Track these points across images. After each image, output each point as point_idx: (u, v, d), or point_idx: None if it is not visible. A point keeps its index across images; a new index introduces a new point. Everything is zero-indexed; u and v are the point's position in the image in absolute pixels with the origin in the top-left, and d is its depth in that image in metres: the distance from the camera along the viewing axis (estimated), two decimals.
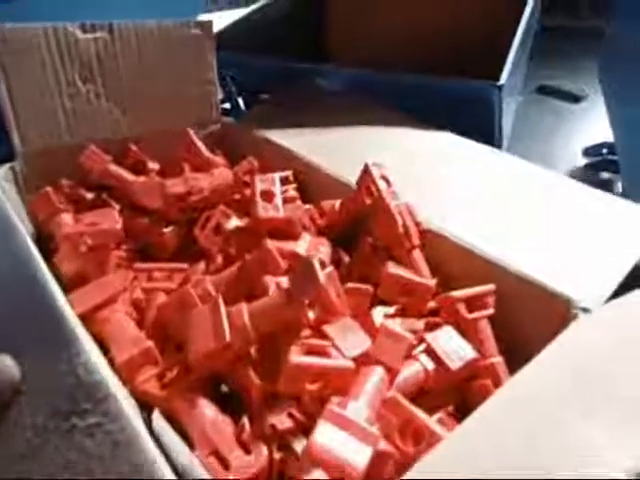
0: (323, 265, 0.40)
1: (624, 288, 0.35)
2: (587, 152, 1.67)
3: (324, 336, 0.37)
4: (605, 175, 1.61)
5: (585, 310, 0.32)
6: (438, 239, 0.40)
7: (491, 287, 0.37)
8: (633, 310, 0.32)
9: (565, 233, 0.39)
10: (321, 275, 0.34)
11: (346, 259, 0.46)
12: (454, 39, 0.64)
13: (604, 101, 1.34)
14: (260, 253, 0.41)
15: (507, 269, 0.37)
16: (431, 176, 0.46)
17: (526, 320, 0.37)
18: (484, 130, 0.50)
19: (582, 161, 1.67)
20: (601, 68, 1.41)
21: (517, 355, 0.35)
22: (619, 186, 1.51)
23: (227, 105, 0.84)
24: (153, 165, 0.57)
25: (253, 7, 0.64)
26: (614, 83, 1.33)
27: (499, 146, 0.61)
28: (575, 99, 2.03)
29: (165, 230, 0.51)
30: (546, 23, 2.39)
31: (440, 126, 0.51)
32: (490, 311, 0.37)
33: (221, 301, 0.37)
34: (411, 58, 0.61)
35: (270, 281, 0.40)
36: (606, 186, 1.61)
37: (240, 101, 0.77)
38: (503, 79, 0.36)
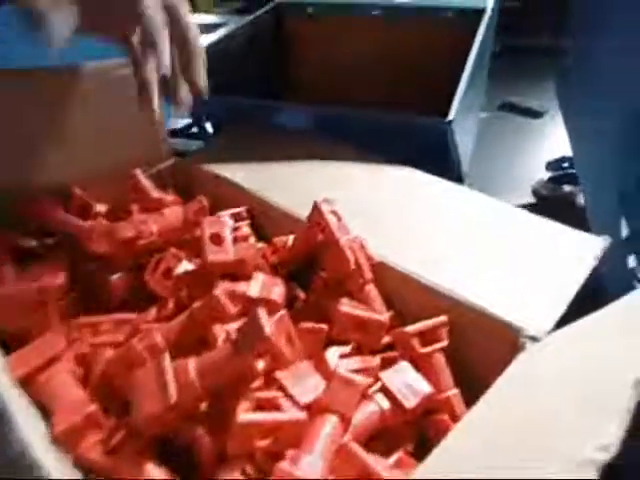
0: (275, 307, 0.39)
1: (569, 314, 0.36)
2: (549, 166, 1.71)
3: (277, 384, 0.36)
4: (567, 188, 1.66)
5: (533, 338, 0.32)
6: (391, 272, 0.40)
7: (444, 319, 0.37)
8: (576, 341, 0.32)
9: (513, 263, 0.39)
10: (267, 327, 0.33)
11: (301, 295, 0.45)
12: (410, 71, 0.64)
13: (561, 116, 1.38)
14: (209, 300, 0.40)
15: (458, 300, 0.37)
16: (384, 210, 0.45)
17: (478, 350, 0.37)
18: (439, 162, 0.50)
19: (546, 175, 1.72)
20: (557, 84, 1.46)
21: (472, 386, 0.35)
22: (581, 198, 1.56)
23: (195, 129, 0.83)
24: (100, 207, 0.55)
25: (212, 40, 0.63)
26: (568, 98, 1.38)
27: (457, 175, 0.61)
28: (536, 115, 2.09)
29: (113, 277, 0.49)
30: (509, 43, 2.47)
31: (394, 160, 0.51)
32: (444, 343, 0.37)
33: (167, 358, 0.35)
34: (371, 93, 0.61)
35: (220, 329, 0.39)
36: (568, 198, 1.65)
37: (208, 125, 0.76)
38: (452, 115, 0.36)
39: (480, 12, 0.54)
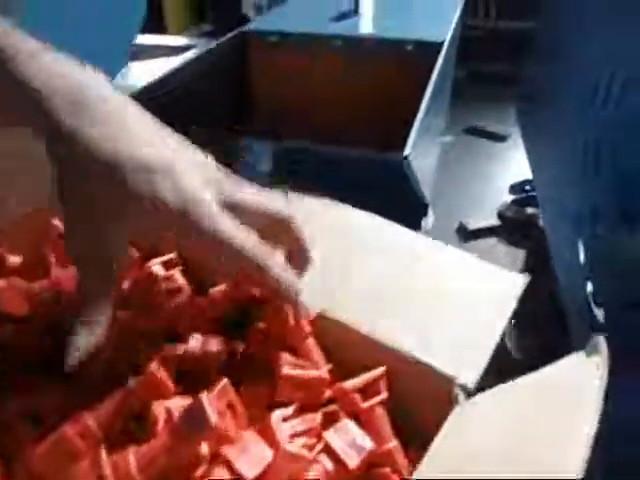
0: (215, 374, 0.37)
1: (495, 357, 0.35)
2: (513, 189, 1.76)
3: (222, 459, 0.34)
4: (530, 210, 1.70)
5: (464, 387, 0.32)
6: (330, 324, 0.38)
7: (382, 371, 0.36)
8: (513, 398, 0.31)
9: (442, 307, 0.38)
10: (213, 417, 0.32)
11: (240, 348, 0.43)
12: (371, 102, 0.64)
13: (522, 140, 1.43)
14: (145, 378, 0.37)
15: (393, 350, 0.36)
16: (323, 258, 0.44)
17: (416, 400, 0.37)
18: (399, 195, 0.49)
19: (509, 197, 1.77)
20: (517, 110, 1.51)
21: (411, 436, 0.34)
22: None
23: None
24: (14, 259, 0.50)
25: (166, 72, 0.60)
26: (528, 123, 1.42)
27: (418, 204, 0.61)
28: (500, 139, 2.15)
29: (35, 341, 0.44)
30: (474, 69, 2.55)
31: (346, 199, 0.49)
32: (384, 395, 0.36)
33: (103, 452, 0.33)
34: (332, 123, 0.60)
35: (160, 407, 0.36)
36: (531, 220, 1.70)
37: None
38: (407, 150, 0.36)
39: (439, 45, 0.54)
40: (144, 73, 1.31)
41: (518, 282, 0.43)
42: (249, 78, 0.66)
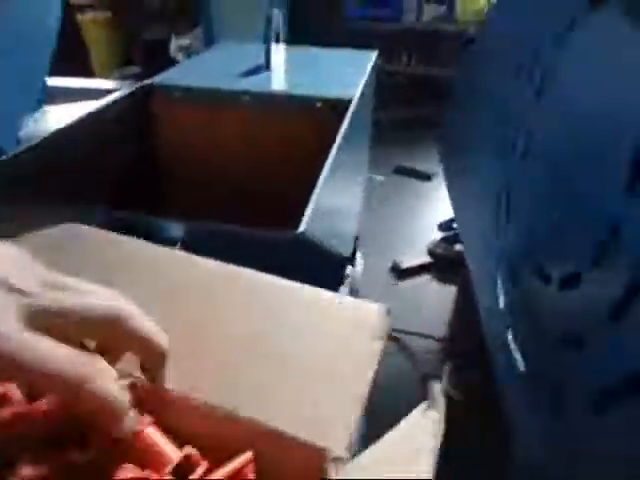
0: None
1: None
2: (441, 227, 1.82)
3: None
4: (458, 247, 1.76)
5: (337, 459, 0.29)
6: (176, 405, 0.33)
7: (248, 455, 0.31)
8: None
9: (300, 368, 0.34)
10: None
11: (81, 458, 0.35)
12: (280, 160, 0.62)
13: (444, 177, 1.49)
14: None
15: (257, 425, 0.31)
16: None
17: (288, 477, 0.32)
18: (310, 265, 0.47)
19: (438, 235, 1.83)
20: (439, 151, 1.58)
21: None
22: None
23: None
24: None
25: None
26: (449, 164, 1.49)
27: (332, 267, 0.58)
28: (427, 177, 2.25)
29: None
30: (399, 114, 2.67)
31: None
32: None
33: None
34: (237, 182, 0.58)
35: None
36: (460, 257, 1.76)
37: None
38: (303, 226, 0.34)
39: (347, 102, 0.54)
40: (61, 117, 1.26)
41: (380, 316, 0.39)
42: (152, 133, 0.62)
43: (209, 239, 0.36)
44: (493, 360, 0.71)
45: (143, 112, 0.56)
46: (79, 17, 2.73)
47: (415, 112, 2.71)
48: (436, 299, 1.55)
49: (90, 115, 0.50)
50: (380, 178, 2.23)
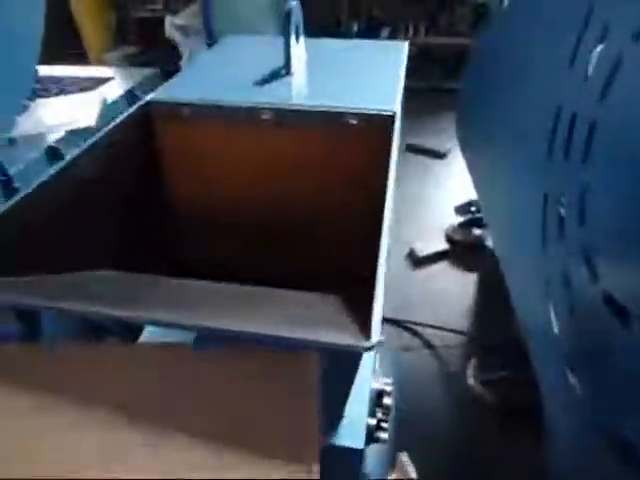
0: None
1: None
2: (458, 210, 1.74)
3: None
4: (477, 231, 1.69)
5: None
6: None
7: None
8: None
9: None
10: None
11: None
12: (306, 185, 0.52)
13: (463, 157, 1.40)
14: None
15: None
16: None
17: None
18: None
19: (456, 219, 1.75)
20: (458, 126, 1.49)
21: None
22: (490, 240, 1.59)
23: None
24: None
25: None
26: (467, 139, 1.40)
27: None
28: (441, 155, 2.15)
29: None
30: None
31: None
32: None
33: None
34: (258, 213, 0.49)
35: None
36: (479, 242, 1.69)
37: None
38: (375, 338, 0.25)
39: (388, 118, 0.45)
40: (55, 113, 1.19)
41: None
42: (158, 163, 0.51)
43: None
44: (542, 383, 0.65)
45: (145, 139, 0.48)
46: None
47: (423, 83, 2.59)
48: (456, 288, 1.49)
49: (82, 156, 0.41)
50: None
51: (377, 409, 0.59)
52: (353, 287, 0.33)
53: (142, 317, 0.26)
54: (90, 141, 0.42)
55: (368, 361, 0.50)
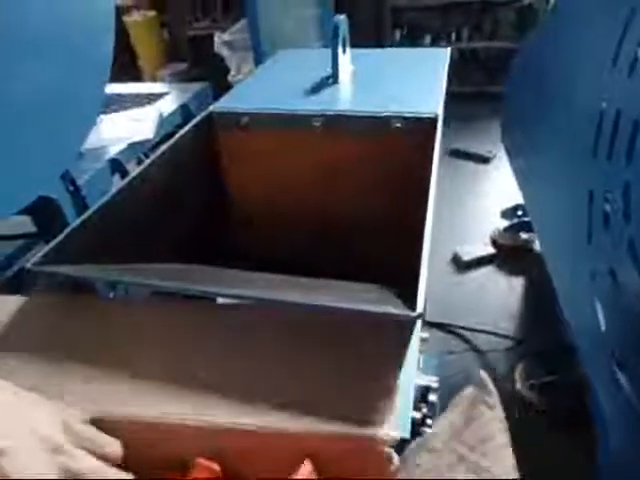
0: None
1: None
2: (504, 214, 1.72)
3: None
4: (524, 235, 1.66)
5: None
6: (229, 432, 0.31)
7: (308, 466, 0.29)
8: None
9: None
10: None
11: None
12: (355, 186, 0.55)
13: (508, 161, 1.39)
14: None
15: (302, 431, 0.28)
16: None
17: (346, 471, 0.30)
18: None
19: (502, 223, 1.73)
20: (503, 130, 1.48)
21: None
22: (537, 244, 1.56)
23: None
24: None
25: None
26: (512, 142, 1.39)
27: None
28: (485, 160, 2.13)
29: None
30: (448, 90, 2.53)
31: None
32: None
33: None
34: (312, 212, 0.52)
35: None
36: (526, 246, 1.66)
37: None
38: (419, 307, 0.28)
39: (431, 121, 0.48)
40: (117, 128, 1.27)
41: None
42: (220, 167, 0.57)
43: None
44: (591, 383, 0.65)
45: (208, 145, 0.52)
46: (125, 18, 2.76)
47: (466, 88, 2.57)
48: (502, 293, 1.47)
49: (153, 163, 0.46)
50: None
51: (422, 404, 0.61)
52: (399, 280, 0.35)
53: (222, 291, 0.30)
54: (161, 149, 0.47)
55: (412, 357, 0.53)
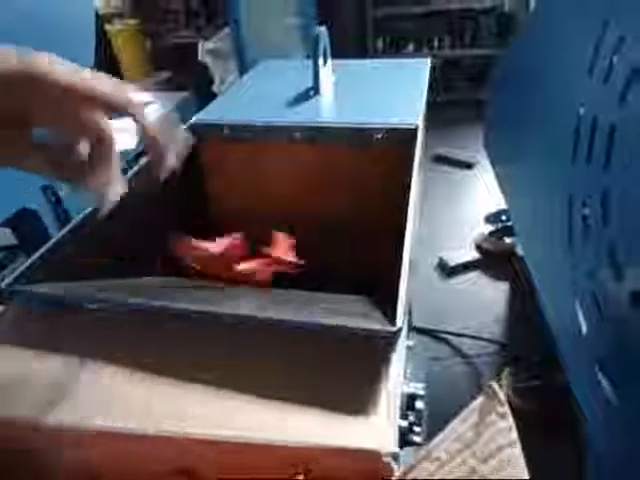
0: None
1: None
2: (488, 220, 1.74)
3: None
4: (508, 240, 1.68)
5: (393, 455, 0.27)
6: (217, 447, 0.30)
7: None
8: None
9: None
10: None
11: None
12: (337, 195, 0.55)
13: (491, 167, 1.41)
14: None
15: (305, 446, 0.28)
16: None
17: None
18: None
19: (486, 228, 1.74)
20: (485, 136, 1.50)
21: None
22: (521, 249, 1.58)
23: None
24: None
25: None
26: (494, 148, 1.41)
27: None
28: (468, 166, 2.16)
29: None
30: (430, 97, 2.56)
31: None
32: None
33: None
34: (297, 223, 0.53)
35: None
36: (510, 251, 1.68)
37: None
38: (399, 323, 0.28)
39: (410, 131, 0.49)
40: None
41: None
42: (202, 182, 0.57)
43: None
44: (574, 387, 0.66)
45: (191, 156, 0.52)
46: (107, 27, 2.74)
47: (448, 96, 2.60)
48: (487, 297, 1.48)
49: (135, 176, 0.46)
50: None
51: (409, 412, 0.61)
52: (381, 290, 0.35)
53: (200, 309, 0.30)
54: (140, 162, 0.47)
55: (397, 366, 0.53)
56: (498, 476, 0.27)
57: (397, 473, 0.28)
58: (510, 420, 0.29)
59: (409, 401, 0.73)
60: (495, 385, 0.31)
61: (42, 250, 0.36)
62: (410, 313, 1.01)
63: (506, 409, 0.30)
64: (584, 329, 0.60)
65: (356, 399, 0.29)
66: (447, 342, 1.31)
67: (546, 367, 1.11)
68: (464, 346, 1.29)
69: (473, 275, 1.59)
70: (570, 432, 0.70)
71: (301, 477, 0.29)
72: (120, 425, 0.28)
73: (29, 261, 0.35)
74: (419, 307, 1.29)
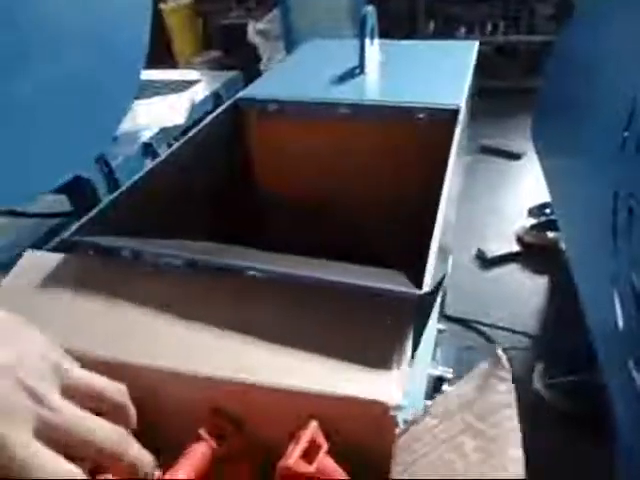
0: None
1: None
2: (532, 212, 1.69)
3: None
4: (550, 234, 1.63)
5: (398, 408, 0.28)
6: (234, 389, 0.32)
7: (314, 426, 0.30)
8: None
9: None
10: None
11: None
12: (377, 172, 0.57)
13: (537, 158, 1.37)
14: None
15: (312, 393, 0.30)
16: None
17: (353, 434, 0.31)
18: None
19: (528, 221, 1.70)
20: (533, 126, 1.45)
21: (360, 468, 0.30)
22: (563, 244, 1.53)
23: None
24: None
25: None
26: (543, 139, 1.36)
27: None
28: (516, 157, 2.09)
29: None
30: (481, 85, 2.49)
31: None
32: (325, 447, 0.30)
33: None
34: (337, 198, 0.54)
35: None
36: (552, 245, 1.63)
37: None
38: (426, 285, 0.29)
39: (453, 112, 0.49)
40: (151, 113, 1.30)
41: None
42: (247, 152, 0.59)
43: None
44: (608, 382, 0.65)
45: (235, 131, 0.54)
46: (161, 6, 2.81)
47: (500, 83, 2.52)
48: (526, 291, 1.45)
49: (181, 147, 0.48)
50: (467, 158, 2.10)
51: (435, 395, 0.62)
52: (415, 267, 0.36)
53: (245, 265, 0.32)
54: (189, 134, 0.49)
55: (426, 343, 0.54)
56: (493, 433, 0.28)
57: (399, 426, 0.29)
58: (509, 384, 0.29)
59: (436, 383, 0.74)
60: (500, 352, 0.31)
61: (100, 206, 0.39)
62: (444, 300, 1.01)
63: (508, 374, 0.30)
64: (621, 324, 0.59)
65: (371, 354, 0.30)
66: (481, 333, 1.30)
67: (580, 363, 1.09)
68: (498, 338, 1.28)
69: (512, 267, 1.55)
70: (599, 427, 0.69)
71: (314, 422, 0.31)
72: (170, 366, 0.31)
73: (89, 215, 0.38)
74: (455, 297, 1.28)
